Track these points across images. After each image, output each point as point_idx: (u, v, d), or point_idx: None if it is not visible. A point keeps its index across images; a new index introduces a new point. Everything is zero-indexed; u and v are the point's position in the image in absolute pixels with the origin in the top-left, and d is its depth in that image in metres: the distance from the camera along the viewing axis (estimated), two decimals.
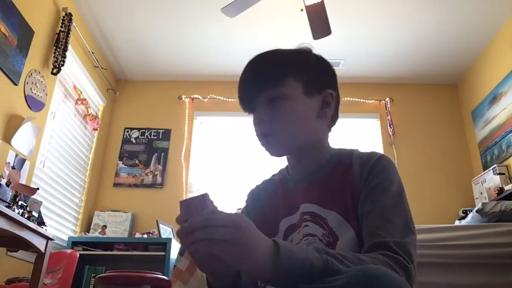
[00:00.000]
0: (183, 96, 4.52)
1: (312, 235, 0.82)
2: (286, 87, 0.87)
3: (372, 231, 0.76)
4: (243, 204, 1.05)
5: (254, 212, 0.99)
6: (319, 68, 0.93)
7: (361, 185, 0.82)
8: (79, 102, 3.71)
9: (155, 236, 3.63)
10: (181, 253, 2.22)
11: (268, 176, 1.04)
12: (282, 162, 1.00)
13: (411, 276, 0.70)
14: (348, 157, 0.89)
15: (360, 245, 0.77)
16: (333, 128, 0.97)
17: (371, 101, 4.48)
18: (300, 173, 0.93)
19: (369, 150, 0.90)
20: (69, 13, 3.29)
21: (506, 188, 3.33)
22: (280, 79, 0.87)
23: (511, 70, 3.54)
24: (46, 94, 3.08)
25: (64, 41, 3.19)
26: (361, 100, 4.47)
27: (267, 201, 0.97)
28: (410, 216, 0.80)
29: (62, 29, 3.22)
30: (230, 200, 3.91)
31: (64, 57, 3.18)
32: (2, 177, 2.33)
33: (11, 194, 2.10)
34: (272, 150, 0.90)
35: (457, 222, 3.25)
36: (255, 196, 1.01)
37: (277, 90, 0.86)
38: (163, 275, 2.71)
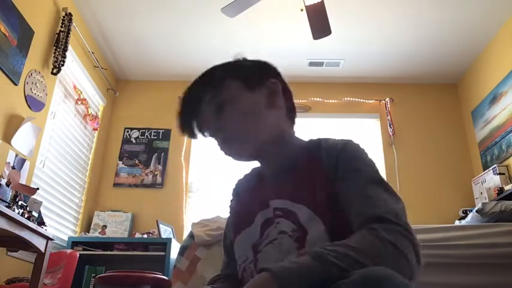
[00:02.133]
0: None
1: (283, 232, 0.81)
2: (226, 89, 0.88)
3: (357, 211, 0.74)
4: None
5: (236, 205, 1.01)
6: (254, 65, 0.94)
7: (332, 176, 0.81)
8: (79, 102, 3.72)
9: (155, 236, 3.63)
10: (181, 253, 2.22)
11: (251, 168, 1.04)
12: None
13: (414, 239, 0.68)
14: (315, 148, 0.88)
15: (331, 237, 0.75)
16: (296, 121, 0.96)
17: (371, 101, 4.48)
18: (272, 169, 0.92)
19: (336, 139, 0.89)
20: (69, 13, 3.29)
21: (506, 188, 3.33)
22: (218, 84, 0.88)
23: (511, 70, 3.54)
24: (46, 94, 3.08)
25: (64, 41, 3.20)
26: (361, 100, 4.47)
27: (247, 193, 0.99)
28: (391, 188, 0.78)
29: (62, 29, 3.22)
30: (230, 200, 3.90)
31: (64, 57, 3.18)
32: (2, 177, 2.33)
33: (11, 194, 2.10)
34: (239, 154, 0.89)
35: (457, 222, 3.25)
36: (238, 189, 1.04)
37: (219, 96, 0.87)
38: (163, 275, 2.71)
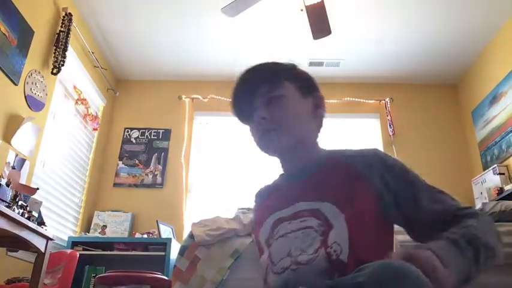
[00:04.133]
0: (183, 96, 4.52)
1: (309, 227, 0.86)
2: (283, 88, 0.96)
3: (441, 208, 0.87)
4: (244, 204, 1.14)
5: (256, 210, 1.09)
6: (306, 76, 1.03)
7: (367, 176, 0.89)
8: (79, 102, 3.71)
9: (155, 236, 3.63)
10: (181, 253, 2.22)
11: (273, 178, 1.11)
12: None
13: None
14: (339, 154, 0.97)
15: (350, 230, 0.82)
16: (319, 134, 1.04)
17: (371, 101, 4.48)
18: (293, 170, 1.00)
19: (359, 148, 0.98)
20: (69, 13, 3.29)
21: (506, 188, 3.33)
22: (277, 81, 0.96)
23: (511, 70, 3.54)
24: (46, 94, 3.08)
25: (64, 41, 3.20)
26: (361, 100, 4.47)
27: (265, 200, 1.06)
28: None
29: (62, 29, 3.22)
30: (230, 200, 3.90)
31: (64, 57, 3.18)
32: (2, 177, 2.33)
33: (11, 194, 2.09)
34: (270, 145, 0.95)
35: None
36: (258, 196, 1.11)
37: (275, 91, 0.95)
38: (163, 275, 2.71)
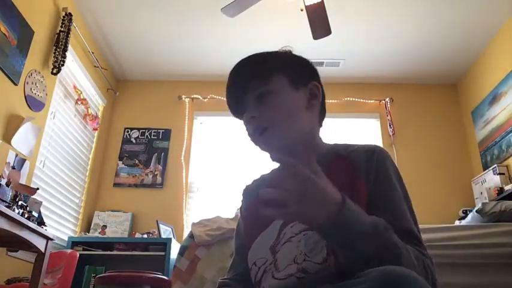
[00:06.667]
0: (183, 96, 4.52)
1: (310, 229, 0.81)
2: (272, 83, 0.90)
3: (392, 219, 0.78)
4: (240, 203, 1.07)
5: (246, 208, 1.02)
6: (300, 64, 0.97)
7: (366, 177, 0.84)
8: (79, 102, 3.71)
9: (155, 236, 3.63)
10: (181, 253, 2.22)
11: (264, 172, 1.04)
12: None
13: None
14: (344, 150, 0.91)
15: None
16: (323, 124, 0.99)
17: (371, 101, 4.48)
18: None
19: (363, 143, 0.92)
20: (69, 13, 3.29)
21: (506, 188, 3.34)
22: (266, 76, 0.91)
23: (511, 70, 3.54)
24: (46, 94, 3.08)
25: (64, 41, 3.20)
26: (361, 100, 4.47)
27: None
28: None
29: (62, 29, 3.22)
30: (230, 200, 3.90)
31: (64, 57, 3.18)
32: (2, 177, 2.33)
33: (11, 194, 2.09)
34: (266, 146, 0.90)
35: (457, 222, 3.25)
36: (248, 193, 1.04)
37: (264, 86, 0.90)
38: (163, 275, 2.71)
